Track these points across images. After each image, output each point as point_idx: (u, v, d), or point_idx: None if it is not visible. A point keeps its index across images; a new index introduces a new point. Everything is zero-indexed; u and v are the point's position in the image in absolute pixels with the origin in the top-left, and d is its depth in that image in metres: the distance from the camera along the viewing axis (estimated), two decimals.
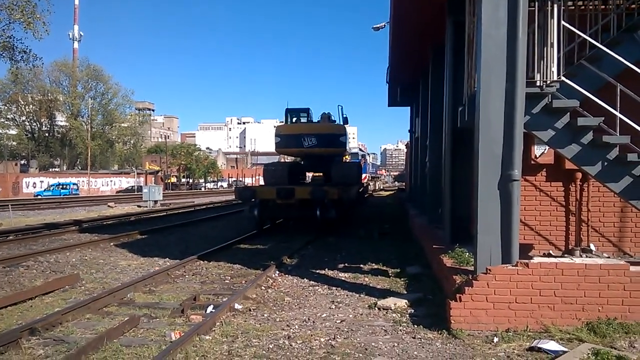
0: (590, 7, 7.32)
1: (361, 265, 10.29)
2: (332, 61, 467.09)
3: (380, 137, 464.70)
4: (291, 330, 6.09)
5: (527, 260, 5.77)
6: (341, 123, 21.13)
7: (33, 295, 7.81)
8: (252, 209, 16.20)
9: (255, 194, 16.28)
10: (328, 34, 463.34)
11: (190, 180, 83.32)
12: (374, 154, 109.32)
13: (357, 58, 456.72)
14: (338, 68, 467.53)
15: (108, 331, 5.91)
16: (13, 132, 73.55)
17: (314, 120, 21.19)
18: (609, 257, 7.88)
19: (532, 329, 5.61)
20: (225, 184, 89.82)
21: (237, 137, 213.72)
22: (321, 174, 21.92)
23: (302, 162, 22.24)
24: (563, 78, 6.32)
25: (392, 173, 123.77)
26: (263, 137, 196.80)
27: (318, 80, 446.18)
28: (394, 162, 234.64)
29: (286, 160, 27.37)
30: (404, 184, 62.40)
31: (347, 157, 26.85)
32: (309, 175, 22.82)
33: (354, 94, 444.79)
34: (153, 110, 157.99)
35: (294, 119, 21.20)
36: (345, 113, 21.45)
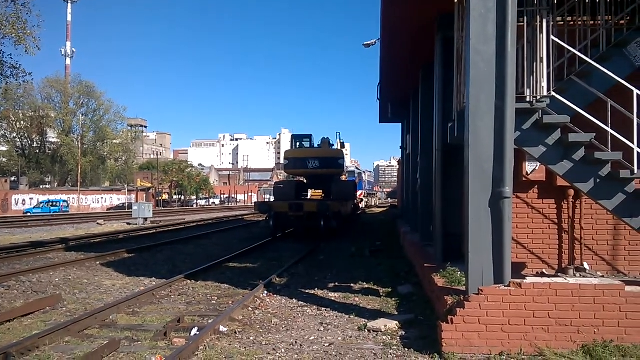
0: (579, 22, 7.29)
1: (352, 285, 10.08)
2: (324, 77, 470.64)
3: (373, 154, 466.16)
4: (277, 354, 5.87)
5: (519, 281, 5.60)
6: (339, 148, 25.32)
7: (12, 317, 7.55)
8: (269, 220, 19.77)
9: (271, 208, 20.04)
10: (320, 51, 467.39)
11: (182, 197, 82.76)
12: (370, 171, 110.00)
13: (349, 74, 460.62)
14: (330, 84, 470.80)
15: (86, 356, 5.69)
16: (3, 148, 72.94)
17: (315, 144, 25.13)
18: (603, 277, 7.74)
19: (526, 352, 5.41)
20: (217, 201, 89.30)
21: (229, 154, 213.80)
22: (321, 191, 25.04)
23: (306, 181, 25.58)
24: (553, 93, 6.25)
25: (385, 190, 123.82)
26: (256, 154, 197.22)
27: (311, 96, 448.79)
28: (386, 179, 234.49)
29: (287, 179, 31.30)
30: (396, 200, 62.48)
31: (344, 176, 29.92)
32: (310, 192, 25.90)
33: (346, 110, 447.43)
34: (145, 127, 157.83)
35: (298, 144, 25.21)
36: (342, 139, 26.29)
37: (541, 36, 6.24)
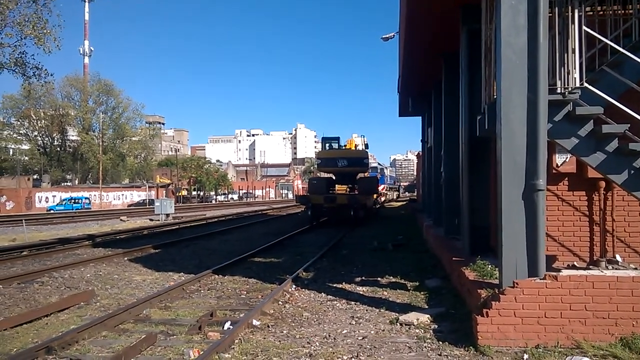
0: (610, 12, 7.17)
1: (378, 279, 10.11)
2: (339, 72, 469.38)
3: (389, 147, 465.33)
4: (312, 347, 5.93)
5: (555, 273, 5.57)
6: (364, 149, 30.28)
7: (48, 312, 7.75)
8: (307, 210, 25.06)
9: (309, 200, 24.51)
10: (335, 45, 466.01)
11: (201, 193, 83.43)
12: (391, 167, 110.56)
13: (365, 68, 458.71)
14: (346, 79, 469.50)
15: (125, 350, 5.81)
16: (25, 147, 74.15)
17: (341, 144, 29.75)
18: (636, 269, 7.64)
19: (562, 344, 5.40)
20: (235, 197, 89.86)
21: (246, 149, 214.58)
22: (346, 186, 28.57)
23: (334, 177, 29.15)
24: (586, 84, 6.16)
25: (402, 183, 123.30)
26: (272, 149, 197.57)
27: (326, 91, 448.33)
28: (403, 173, 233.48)
29: (318, 176, 36.70)
30: (414, 194, 62.61)
31: (367, 173, 33.22)
32: (336, 186, 28.85)
33: (362, 104, 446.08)
34: (163, 124, 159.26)
35: (328, 146, 29.46)
36: (366, 141, 31.86)
37: (572, 27, 6.15)
